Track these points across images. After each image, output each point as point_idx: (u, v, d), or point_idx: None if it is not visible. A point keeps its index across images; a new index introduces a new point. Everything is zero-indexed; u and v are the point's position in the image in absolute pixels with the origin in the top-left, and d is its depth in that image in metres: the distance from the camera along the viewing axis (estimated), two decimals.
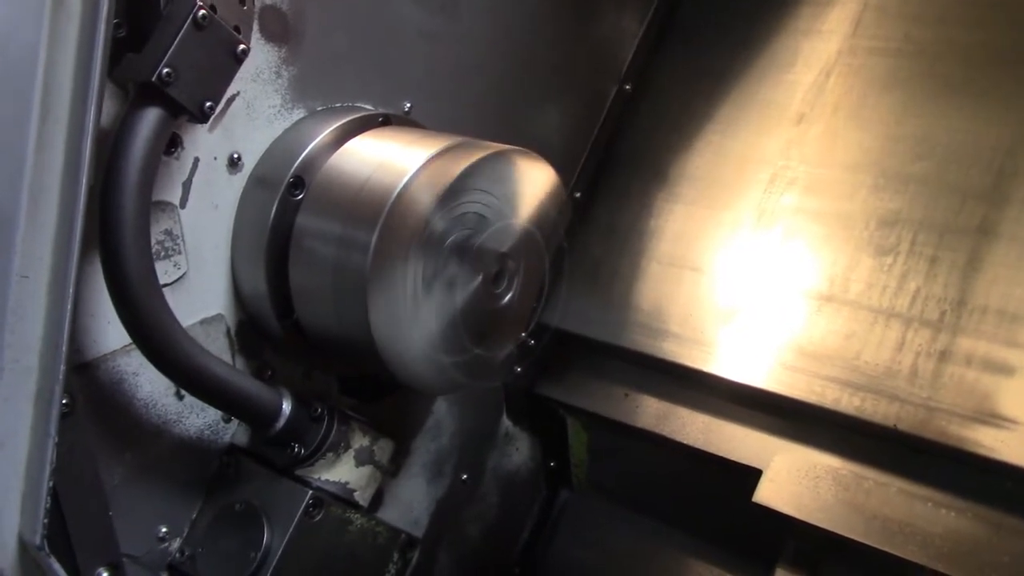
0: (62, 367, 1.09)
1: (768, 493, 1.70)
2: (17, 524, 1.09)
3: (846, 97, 1.92)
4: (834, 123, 1.91)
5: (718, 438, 1.84)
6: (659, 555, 2.10)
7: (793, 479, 1.71)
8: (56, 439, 1.09)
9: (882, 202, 1.79)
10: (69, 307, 1.09)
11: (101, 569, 1.23)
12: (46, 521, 1.09)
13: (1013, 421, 1.57)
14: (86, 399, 1.32)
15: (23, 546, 1.10)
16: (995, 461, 1.56)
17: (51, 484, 1.10)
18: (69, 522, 1.19)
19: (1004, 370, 1.60)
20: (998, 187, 1.71)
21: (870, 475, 1.68)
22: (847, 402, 1.69)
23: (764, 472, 1.73)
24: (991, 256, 1.67)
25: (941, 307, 1.68)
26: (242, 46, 1.30)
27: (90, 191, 1.11)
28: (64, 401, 1.12)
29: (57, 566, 1.10)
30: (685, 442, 1.86)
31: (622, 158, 2.12)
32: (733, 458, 1.80)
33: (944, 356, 1.65)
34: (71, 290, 1.09)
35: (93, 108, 1.09)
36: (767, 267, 1.86)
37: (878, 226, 1.78)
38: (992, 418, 1.58)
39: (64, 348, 1.09)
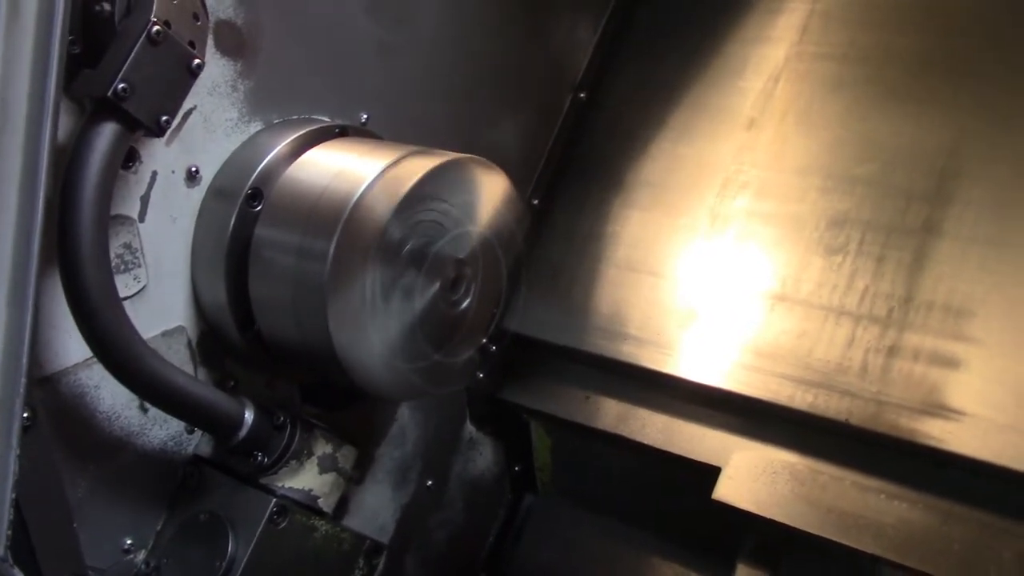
0: (23, 380, 1.10)
1: (727, 490, 1.74)
2: None
3: (794, 102, 1.97)
4: (783, 128, 1.96)
5: (678, 437, 1.87)
6: (624, 555, 2.12)
7: (751, 476, 1.74)
8: (18, 452, 1.10)
9: (831, 204, 1.84)
10: (29, 321, 1.10)
11: None
12: (9, 533, 1.10)
13: (960, 412, 1.61)
14: (48, 413, 1.32)
15: None
16: (944, 452, 1.60)
17: (14, 497, 1.11)
18: (33, 535, 1.20)
19: (951, 363, 1.65)
20: (941, 188, 1.76)
21: (825, 469, 1.71)
22: (801, 399, 1.72)
23: (723, 470, 1.76)
24: (936, 254, 1.72)
25: (889, 304, 1.72)
26: (197, 60, 1.32)
27: (48, 206, 1.13)
28: (25, 414, 1.13)
29: None
30: (645, 442, 1.89)
31: (578, 165, 2.15)
32: (693, 457, 1.83)
33: (893, 351, 1.69)
34: (31, 304, 1.10)
35: (49, 124, 1.11)
36: (722, 269, 1.90)
37: (827, 227, 1.82)
38: (940, 410, 1.62)
39: (25, 361, 1.10)
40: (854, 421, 1.67)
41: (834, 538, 1.63)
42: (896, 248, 1.76)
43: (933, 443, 1.61)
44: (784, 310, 1.80)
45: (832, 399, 1.70)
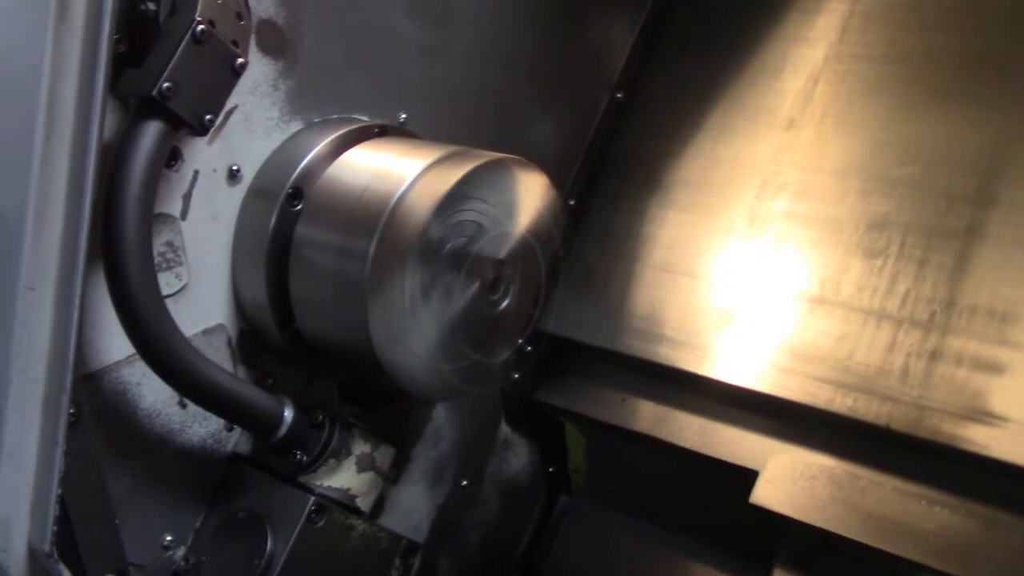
0: (69, 377, 1.12)
1: (765, 494, 1.72)
2: (27, 531, 1.11)
3: (834, 103, 1.95)
4: (823, 129, 1.94)
5: (715, 440, 1.86)
6: (658, 558, 2.11)
7: (789, 479, 1.73)
8: (64, 448, 1.11)
9: (871, 206, 1.82)
10: (75, 318, 1.11)
11: None
12: (55, 528, 1.11)
13: (1004, 418, 1.59)
14: (91, 409, 1.33)
15: (32, 553, 1.12)
16: (987, 458, 1.58)
17: (59, 492, 1.12)
18: (77, 530, 1.21)
19: (994, 368, 1.63)
20: (984, 189, 1.74)
21: (864, 474, 1.70)
22: (840, 402, 1.71)
23: (760, 473, 1.75)
24: (978, 257, 1.70)
25: (931, 308, 1.70)
26: (240, 60, 1.32)
27: (94, 204, 1.14)
28: (71, 411, 1.14)
29: (66, 572, 1.12)
30: (682, 445, 1.88)
31: (615, 165, 2.15)
32: (730, 460, 1.82)
33: (935, 356, 1.67)
34: (77, 301, 1.11)
35: (96, 122, 1.12)
36: (759, 271, 1.89)
37: (867, 229, 1.80)
38: (983, 416, 1.60)
39: (71, 358, 1.12)
40: (895, 426, 1.65)
41: (873, 543, 1.61)
42: (938, 251, 1.74)
43: (976, 449, 1.59)
44: (823, 313, 1.79)
45: (872, 403, 1.68)
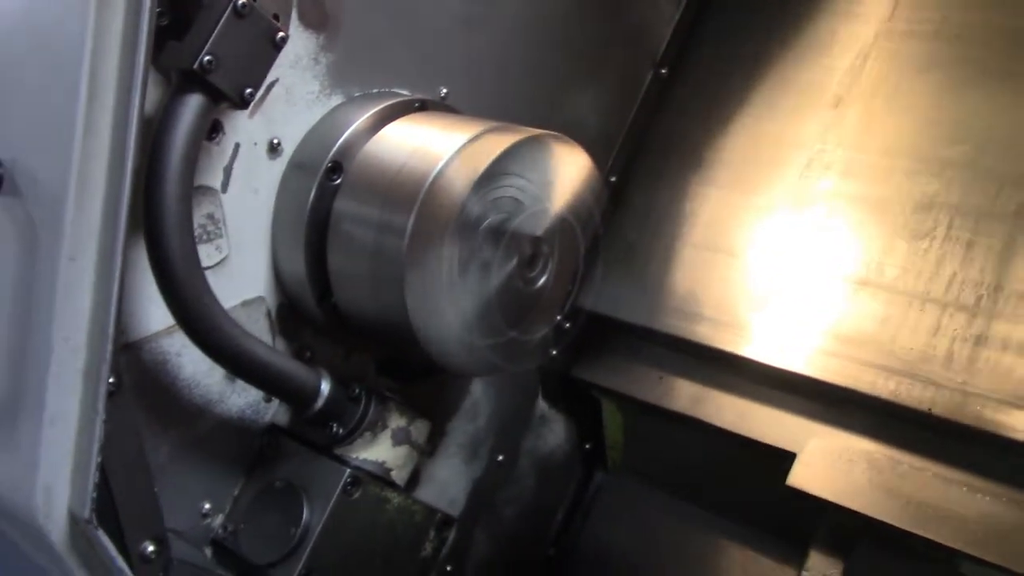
0: (109, 346, 1.13)
1: (802, 476, 1.71)
2: (67, 498, 1.13)
3: (883, 81, 1.91)
4: (871, 107, 1.90)
5: (752, 421, 1.84)
6: (693, 537, 2.11)
7: (827, 463, 1.71)
8: (104, 417, 1.13)
9: (919, 186, 1.78)
10: (116, 288, 1.13)
11: (147, 543, 1.26)
12: (95, 495, 1.13)
13: None
14: (131, 379, 1.35)
15: (73, 519, 1.14)
16: None
17: (99, 460, 1.13)
18: (116, 497, 1.22)
19: None
20: None
21: (905, 459, 1.68)
22: (882, 386, 1.68)
23: (798, 455, 1.73)
24: None
25: (977, 292, 1.67)
26: (281, 33, 1.33)
27: (135, 176, 1.15)
28: (111, 380, 1.15)
29: (105, 539, 1.14)
30: (720, 425, 1.87)
31: (657, 142, 2.12)
32: (767, 441, 1.80)
33: (980, 341, 1.64)
34: (118, 272, 1.13)
35: (138, 95, 1.12)
36: (802, 251, 1.86)
37: (914, 210, 1.77)
38: None
39: (111, 328, 1.13)
40: (937, 411, 1.63)
41: (913, 529, 1.59)
42: (986, 234, 1.70)
43: (1020, 437, 1.56)
44: (867, 295, 1.76)
45: (915, 388, 1.65)
